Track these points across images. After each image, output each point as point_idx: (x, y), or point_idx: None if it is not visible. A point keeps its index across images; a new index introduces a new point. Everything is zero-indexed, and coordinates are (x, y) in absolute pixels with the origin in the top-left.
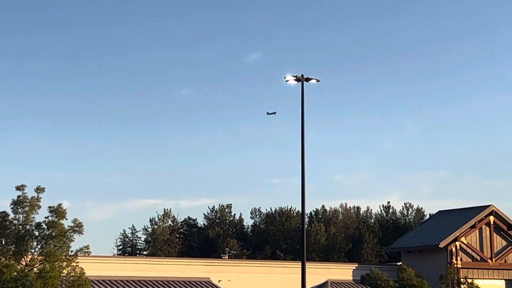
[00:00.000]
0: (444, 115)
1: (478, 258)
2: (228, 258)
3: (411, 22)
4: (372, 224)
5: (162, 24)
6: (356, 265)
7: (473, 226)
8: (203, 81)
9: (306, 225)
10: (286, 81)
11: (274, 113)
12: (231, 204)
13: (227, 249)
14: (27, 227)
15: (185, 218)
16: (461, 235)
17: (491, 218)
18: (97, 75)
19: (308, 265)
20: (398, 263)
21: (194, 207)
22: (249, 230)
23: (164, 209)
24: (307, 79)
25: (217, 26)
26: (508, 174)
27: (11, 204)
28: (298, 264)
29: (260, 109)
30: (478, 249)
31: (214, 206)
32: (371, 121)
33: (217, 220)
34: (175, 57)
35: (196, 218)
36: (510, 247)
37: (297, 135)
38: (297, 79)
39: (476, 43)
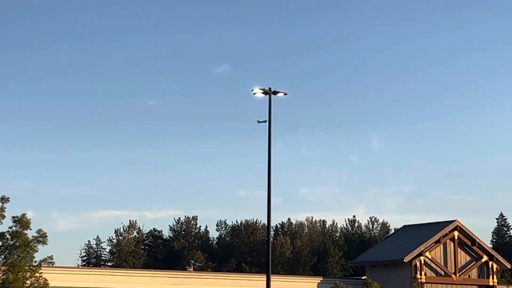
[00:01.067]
0: (410, 131)
1: (442, 273)
2: (193, 270)
3: (378, 40)
4: (337, 237)
5: (129, 35)
6: (321, 279)
7: (438, 241)
8: (169, 93)
9: (271, 238)
10: (254, 94)
11: (265, 121)
12: (196, 216)
13: (192, 261)
14: None
15: (150, 230)
16: (426, 250)
17: (456, 233)
18: (61, 87)
19: (273, 278)
20: (363, 277)
21: (159, 219)
22: (214, 242)
23: (130, 220)
24: (275, 92)
25: (184, 38)
26: (472, 190)
27: None
28: (263, 277)
29: (226, 121)
30: (442, 264)
31: (179, 218)
32: (337, 135)
33: (183, 232)
34: (141, 67)
35: (161, 230)
36: (474, 262)
37: (263, 148)
38: (265, 92)
39: (444, 62)
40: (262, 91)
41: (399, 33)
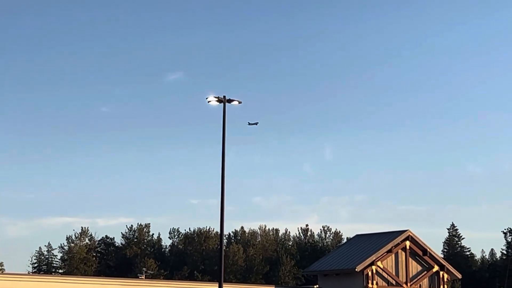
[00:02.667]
0: (362, 140)
1: (394, 282)
2: (145, 278)
3: (333, 48)
4: (290, 246)
5: (83, 41)
6: None
7: (390, 251)
8: (122, 99)
9: (224, 246)
10: (208, 101)
11: (256, 123)
12: (149, 224)
13: (144, 269)
14: None
15: (102, 237)
16: (378, 259)
17: (407, 243)
18: (15, 92)
19: (226, 286)
20: (315, 286)
21: (111, 226)
22: (167, 250)
23: (82, 227)
24: (229, 101)
25: (138, 45)
26: (424, 200)
27: None
28: (216, 285)
29: (179, 129)
30: (394, 273)
31: (132, 225)
32: (290, 144)
33: (135, 240)
34: (94, 74)
35: (113, 237)
36: (425, 272)
37: (216, 156)
38: (219, 100)
39: (397, 73)
40: (217, 99)
41: (351, 40)
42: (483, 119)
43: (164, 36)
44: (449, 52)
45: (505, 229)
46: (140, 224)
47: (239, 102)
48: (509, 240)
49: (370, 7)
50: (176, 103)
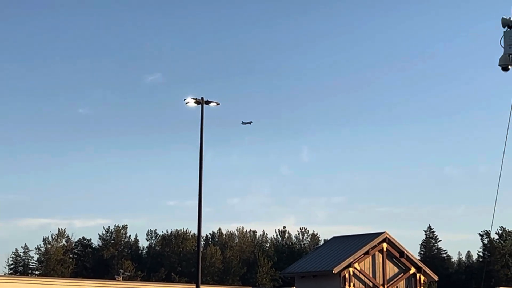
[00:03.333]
0: (339, 142)
1: (371, 284)
2: (122, 279)
3: (311, 52)
4: (267, 248)
5: (60, 42)
6: None
7: (367, 253)
8: (100, 101)
9: (201, 248)
10: (186, 103)
11: (250, 122)
12: (126, 225)
13: (121, 270)
14: None
15: (79, 238)
16: (355, 261)
17: (384, 245)
18: None
19: None
20: None
21: (88, 227)
22: (144, 251)
23: (59, 229)
24: (207, 102)
25: (115, 46)
26: (401, 202)
27: None
28: (193, 287)
29: (157, 130)
30: (371, 275)
31: (109, 227)
32: (268, 146)
33: (112, 241)
34: (72, 75)
35: (90, 239)
36: (402, 274)
37: (193, 158)
38: (197, 102)
39: (375, 75)
40: (195, 100)
41: (329, 44)
42: (461, 121)
43: (142, 37)
44: (425, 52)
45: (481, 231)
46: (117, 225)
47: (217, 104)
48: (486, 242)
49: (348, 15)
50: (154, 104)
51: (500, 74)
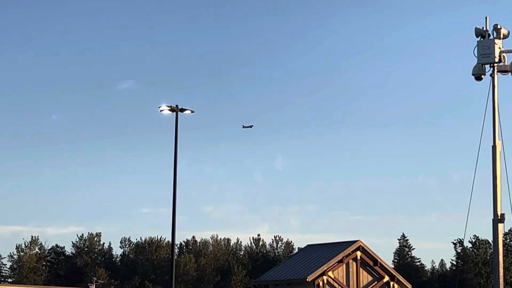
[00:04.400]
0: (314, 150)
1: None
2: (96, 287)
3: (285, 57)
4: (241, 256)
5: (33, 47)
6: None
7: (341, 261)
8: (73, 107)
9: (175, 256)
10: (161, 111)
11: (251, 126)
12: (100, 233)
13: (94, 278)
14: None
15: (52, 246)
16: (329, 269)
17: (358, 253)
18: None
19: None
20: None
21: (61, 235)
22: (118, 259)
23: (32, 236)
24: (182, 110)
25: (88, 53)
26: (375, 210)
27: None
28: None
29: (130, 137)
30: (345, 283)
31: (82, 234)
32: (241, 153)
33: (86, 249)
34: (45, 80)
35: (64, 246)
36: (376, 282)
37: (167, 165)
38: (172, 109)
39: (350, 80)
40: (169, 108)
41: (303, 48)
42: (434, 129)
43: (115, 44)
44: (399, 60)
45: (455, 240)
46: (91, 233)
47: (192, 112)
48: (459, 251)
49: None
50: (127, 111)
51: (474, 83)
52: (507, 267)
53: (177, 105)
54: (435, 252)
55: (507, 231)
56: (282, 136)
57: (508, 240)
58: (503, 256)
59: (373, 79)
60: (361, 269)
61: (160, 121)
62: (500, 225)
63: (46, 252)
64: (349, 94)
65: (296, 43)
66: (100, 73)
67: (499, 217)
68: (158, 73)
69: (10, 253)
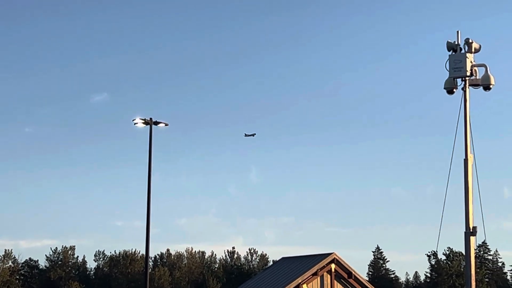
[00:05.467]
0: (287, 162)
1: None
2: None
3: (259, 69)
4: (216, 269)
5: (5, 60)
6: None
7: (315, 273)
8: (47, 120)
9: (150, 269)
10: (135, 124)
11: (253, 134)
12: (74, 246)
13: None
14: None
15: (26, 259)
16: (303, 282)
17: (333, 265)
18: None
19: None
20: None
21: (35, 248)
22: (92, 272)
23: (5, 250)
24: (156, 123)
25: (62, 66)
26: (349, 223)
27: None
28: None
29: (104, 150)
30: None
31: (56, 248)
32: (216, 166)
33: (59, 262)
34: (17, 93)
35: (37, 260)
36: None
37: (141, 178)
38: (146, 122)
39: (323, 92)
40: (143, 121)
41: (277, 60)
42: (408, 142)
43: (88, 57)
44: (372, 73)
45: (429, 252)
46: (65, 246)
47: (166, 125)
48: (433, 263)
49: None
50: (101, 124)
51: (446, 97)
52: (481, 279)
53: (151, 118)
54: (409, 264)
55: (480, 243)
56: (257, 148)
57: (482, 253)
58: (476, 268)
59: (348, 93)
60: (335, 282)
61: (134, 134)
62: (472, 238)
63: (20, 266)
64: (322, 108)
65: (269, 56)
66: (74, 85)
67: (471, 230)
68: (132, 86)
69: None
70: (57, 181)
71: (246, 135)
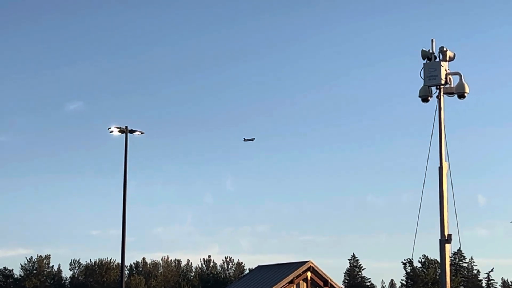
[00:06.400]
0: (263, 171)
1: None
2: None
3: (234, 78)
4: (192, 277)
5: None
6: None
7: (291, 282)
8: (21, 129)
9: (125, 278)
10: (110, 132)
11: (253, 139)
12: (49, 255)
13: None
14: None
15: (0, 269)
16: None
17: (309, 274)
18: None
19: None
20: None
21: (10, 257)
22: (67, 281)
23: None
24: (131, 131)
25: (36, 74)
26: (325, 231)
27: None
28: None
29: (79, 159)
30: None
31: (31, 257)
32: (191, 174)
33: (35, 271)
34: None
35: (12, 269)
36: None
37: (116, 186)
38: (121, 131)
39: (299, 100)
40: (119, 129)
41: (253, 70)
42: (383, 149)
43: (62, 65)
44: (351, 80)
45: (404, 260)
46: (40, 255)
47: (142, 133)
48: (409, 270)
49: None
50: (76, 132)
51: (420, 105)
52: (456, 286)
53: (126, 127)
54: (385, 272)
55: (455, 251)
56: (232, 157)
57: (457, 260)
58: (452, 276)
59: (323, 101)
60: None
61: (110, 142)
62: (447, 246)
63: None
64: (297, 117)
65: (246, 65)
66: (48, 94)
67: (446, 238)
68: (107, 94)
69: None
70: (32, 190)
71: (245, 140)
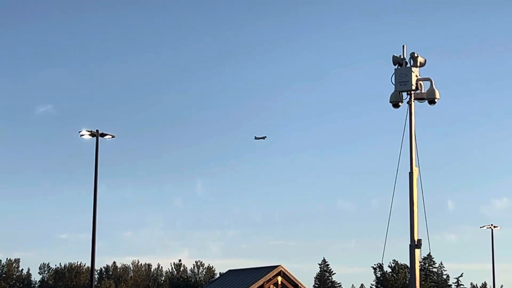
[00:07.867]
0: (233, 175)
1: None
2: None
3: (206, 84)
4: (162, 281)
5: None
6: None
7: (262, 286)
8: None
9: (95, 282)
10: (81, 135)
11: (264, 137)
12: (19, 259)
13: None
14: None
15: None
16: None
17: (279, 278)
18: None
19: None
20: None
21: None
22: (37, 285)
23: None
24: (102, 135)
25: (4, 77)
26: (295, 236)
27: None
28: None
29: (48, 162)
30: None
31: (0, 260)
32: (162, 178)
33: (4, 275)
34: None
35: None
36: None
37: (86, 190)
38: (92, 134)
39: (262, 105)
40: (90, 133)
41: (223, 76)
42: (353, 155)
43: (32, 67)
44: (316, 84)
45: (374, 265)
46: (9, 259)
47: (112, 137)
48: (379, 275)
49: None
50: (46, 136)
51: (391, 110)
52: None
53: (97, 130)
54: (355, 276)
55: (425, 255)
56: (203, 161)
57: (427, 265)
58: (421, 281)
59: (293, 106)
60: None
61: (80, 146)
62: (417, 251)
63: None
64: (268, 121)
65: (214, 73)
66: (17, 97)
67: (416, 243)
68: (77, 97)
69: None
70: (0, 194)
71: (256, 138)
